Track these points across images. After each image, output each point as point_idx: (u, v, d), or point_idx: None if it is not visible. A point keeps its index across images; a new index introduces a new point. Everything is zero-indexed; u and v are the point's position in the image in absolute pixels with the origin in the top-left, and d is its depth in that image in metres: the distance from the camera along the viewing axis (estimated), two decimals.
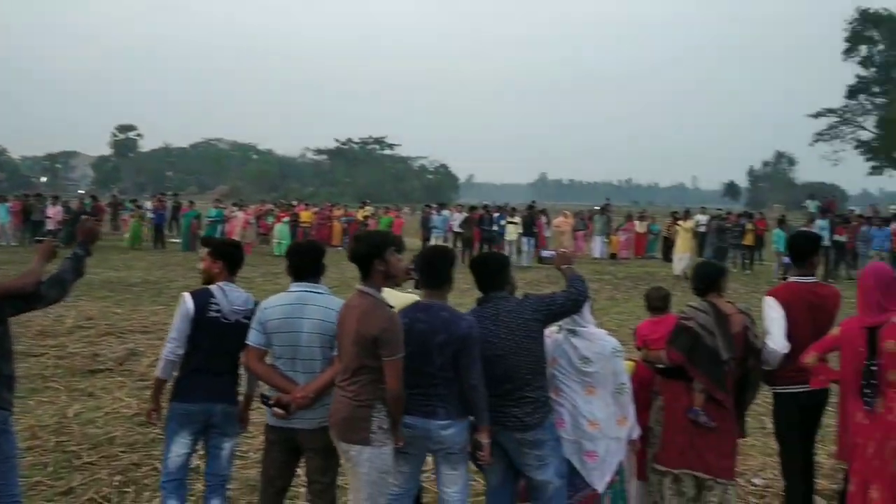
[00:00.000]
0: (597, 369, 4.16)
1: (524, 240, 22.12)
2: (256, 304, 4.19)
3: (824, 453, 5.92)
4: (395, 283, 4.15)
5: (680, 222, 20.83)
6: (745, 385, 4.46)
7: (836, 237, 20.04)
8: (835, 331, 4.31)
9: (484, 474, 4.25)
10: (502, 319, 3.94)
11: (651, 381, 4.59)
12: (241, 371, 4.29)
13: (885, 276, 4.18)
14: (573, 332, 4.22)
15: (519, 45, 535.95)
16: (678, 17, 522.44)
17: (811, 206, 35.76)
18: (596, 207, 29.73)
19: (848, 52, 48.11)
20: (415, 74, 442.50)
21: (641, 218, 26.85)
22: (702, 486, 4.33)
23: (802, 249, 4.80)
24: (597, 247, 25.12)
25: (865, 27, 47.44)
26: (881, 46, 47.69)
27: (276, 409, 3.88)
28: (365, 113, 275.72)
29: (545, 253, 4.89)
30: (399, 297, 4.11)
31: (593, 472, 4.17)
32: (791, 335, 4.48)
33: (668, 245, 22.42)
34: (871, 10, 47.18)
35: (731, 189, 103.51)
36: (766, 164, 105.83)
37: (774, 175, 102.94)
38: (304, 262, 4.06)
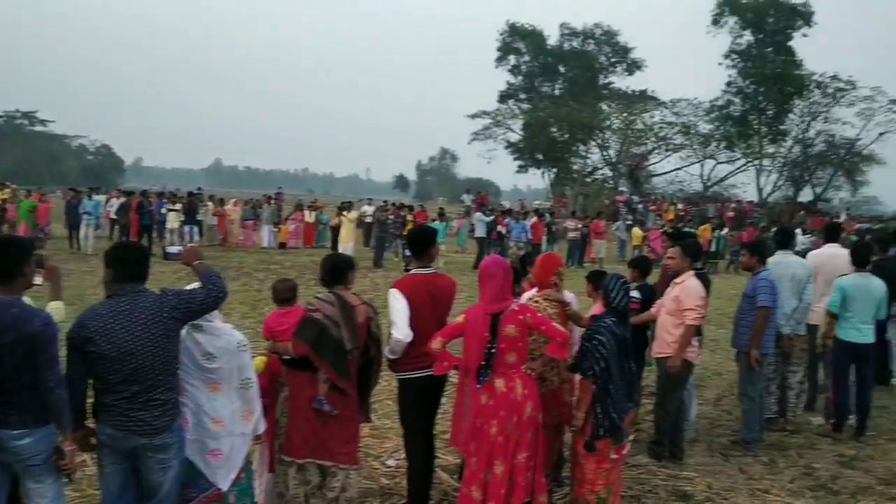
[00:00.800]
0: (221, 365, 4.04)
1: (186, 228, 21.20)
2: None
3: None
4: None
5: (344, 213, 21.37)
6: (368, 373, 4.66)
7: (500, 229, 22.04)
8: (459, 318, 4.58)
9: (100, 482, 3.93)
10: (138, 316, 3.66)
11: (281, 374, 4.60)
12: None
13: (506, 268, 4.59)
14: (197, 327, 4.03)
15: (197, 27, 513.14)
16: (359, 14, 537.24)
17: (467, 199, 38.91)
18: (268, 196, 29.39)
19: (499, 61, 53.26)
20: (75, 48, 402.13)
21: (312, 208, 27.11)
22: (325, 472, 4.44)
23: (421, 243, 5.08)
24: (265, 236, 24.94)
25: (514, 39, 52.87)
26: (527, 57, 53.42)
27: None
28: (12, 85, 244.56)
29: (171, 249, 4.59)
30: None
31: (218, 471, 4.06)
32: (414, 324, 4.73)
33: (337, 235, 22.88)
34: (519, 24, 52.67)
35: (401, 181, 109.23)
36: (432, 159, 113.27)
37: (439, 170, 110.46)
38: None
